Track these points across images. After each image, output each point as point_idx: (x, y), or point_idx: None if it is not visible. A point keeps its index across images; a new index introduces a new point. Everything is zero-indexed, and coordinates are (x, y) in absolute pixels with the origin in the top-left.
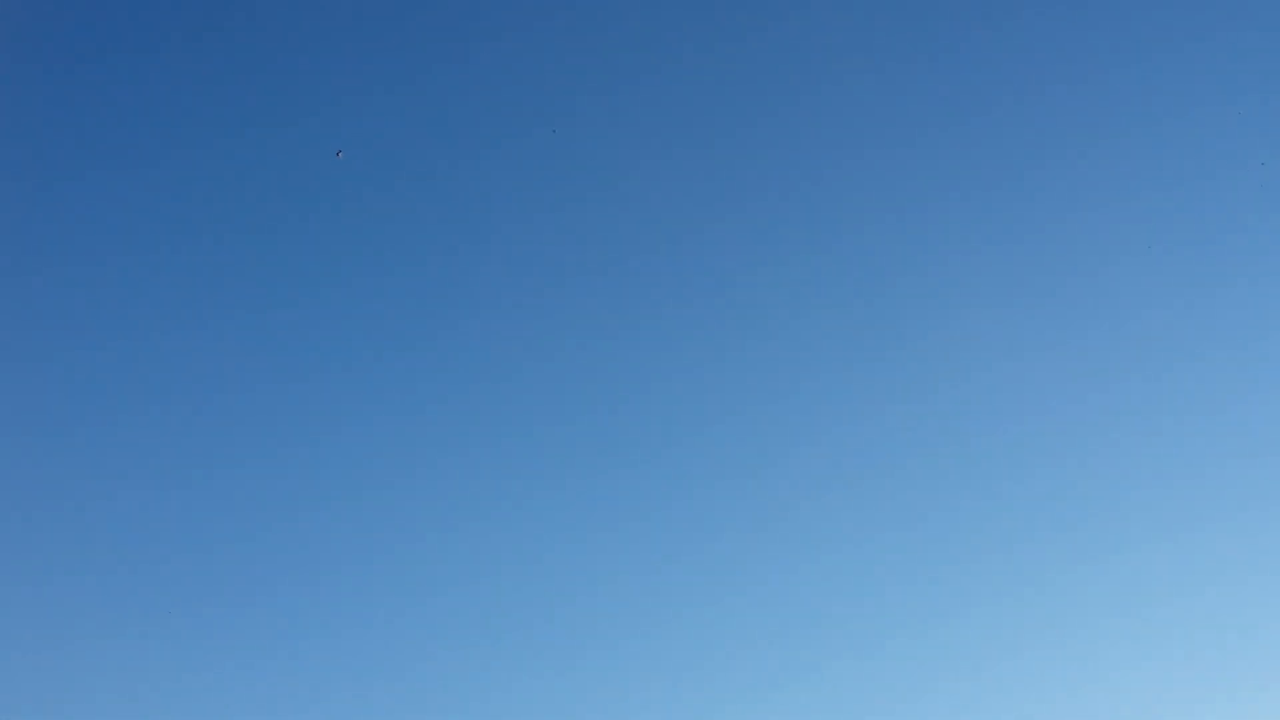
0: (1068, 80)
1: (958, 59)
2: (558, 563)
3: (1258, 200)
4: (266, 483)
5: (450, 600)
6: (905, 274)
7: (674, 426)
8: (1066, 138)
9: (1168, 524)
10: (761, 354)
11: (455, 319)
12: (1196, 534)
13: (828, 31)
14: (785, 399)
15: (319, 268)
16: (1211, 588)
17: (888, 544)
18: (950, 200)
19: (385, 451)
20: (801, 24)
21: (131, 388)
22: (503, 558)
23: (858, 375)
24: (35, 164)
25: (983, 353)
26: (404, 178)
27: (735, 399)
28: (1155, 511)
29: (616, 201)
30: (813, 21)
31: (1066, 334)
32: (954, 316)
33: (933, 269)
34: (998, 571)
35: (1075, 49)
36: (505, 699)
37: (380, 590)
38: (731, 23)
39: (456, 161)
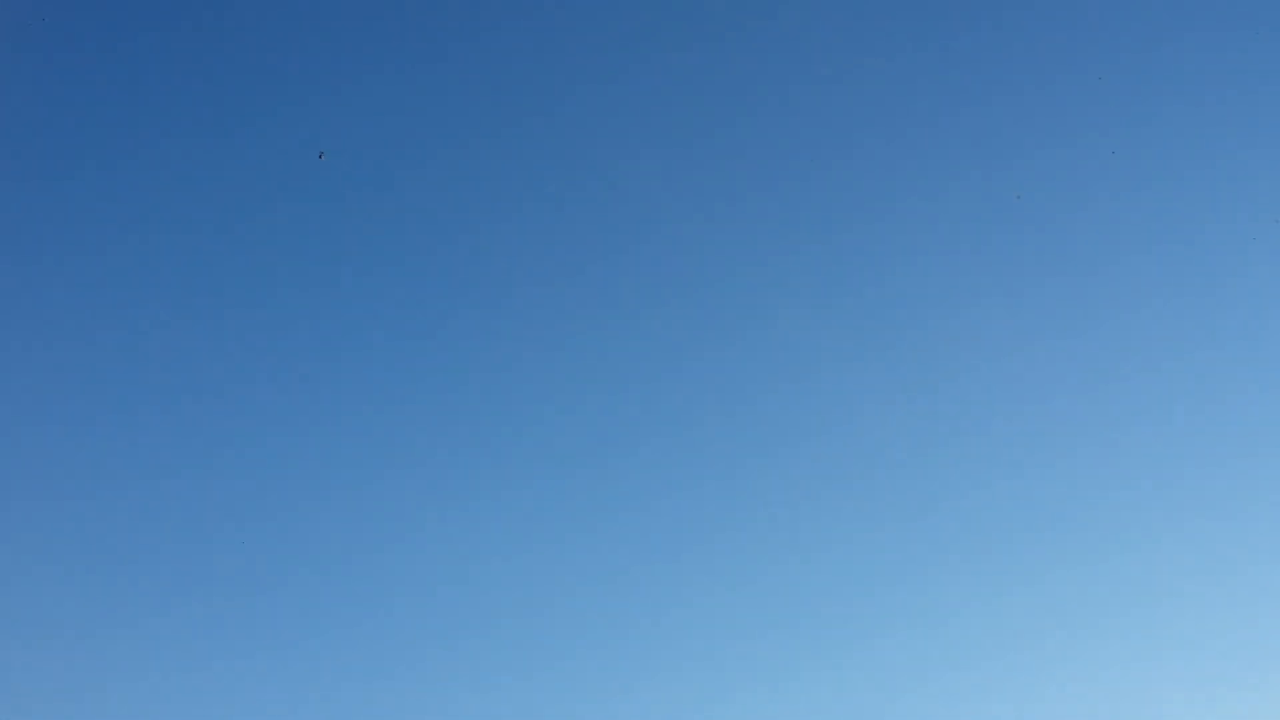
0: (1068, 80)
1: (957, 56)
2: (557, 562)
3: (1258, 200)
4: (261, 482)
5: (450, 600)
6: (903, 271)
7: (672, 425)
8: (1067, 137)
9: (1168, 524)
10: (759, 351)
11: (452, 317)
12: (1197, 534)
13: (826, 28)
14: (782, 396)
15: (313, 264)
16: (1212, 587)
17: (887, 544)
18: (949, 198)
19: (383, 450)
20: (800, 21)
21: (130, 387)
22: (502, 557)
23: (855, 373)
24: (35, 164)
25: (982, 352)
26: (399, 173)
27: (733, 397)
28: (1156, 511)
29: (612, 198)
30: (811, 18)
31: (1066, 334)
32: (952, 314)
33: (931, 267)
34: (997, 571)
35: (1075, 48)
36: (505, 698)
37: (380, 590)
38: (729, 19)
39: (454, 158)
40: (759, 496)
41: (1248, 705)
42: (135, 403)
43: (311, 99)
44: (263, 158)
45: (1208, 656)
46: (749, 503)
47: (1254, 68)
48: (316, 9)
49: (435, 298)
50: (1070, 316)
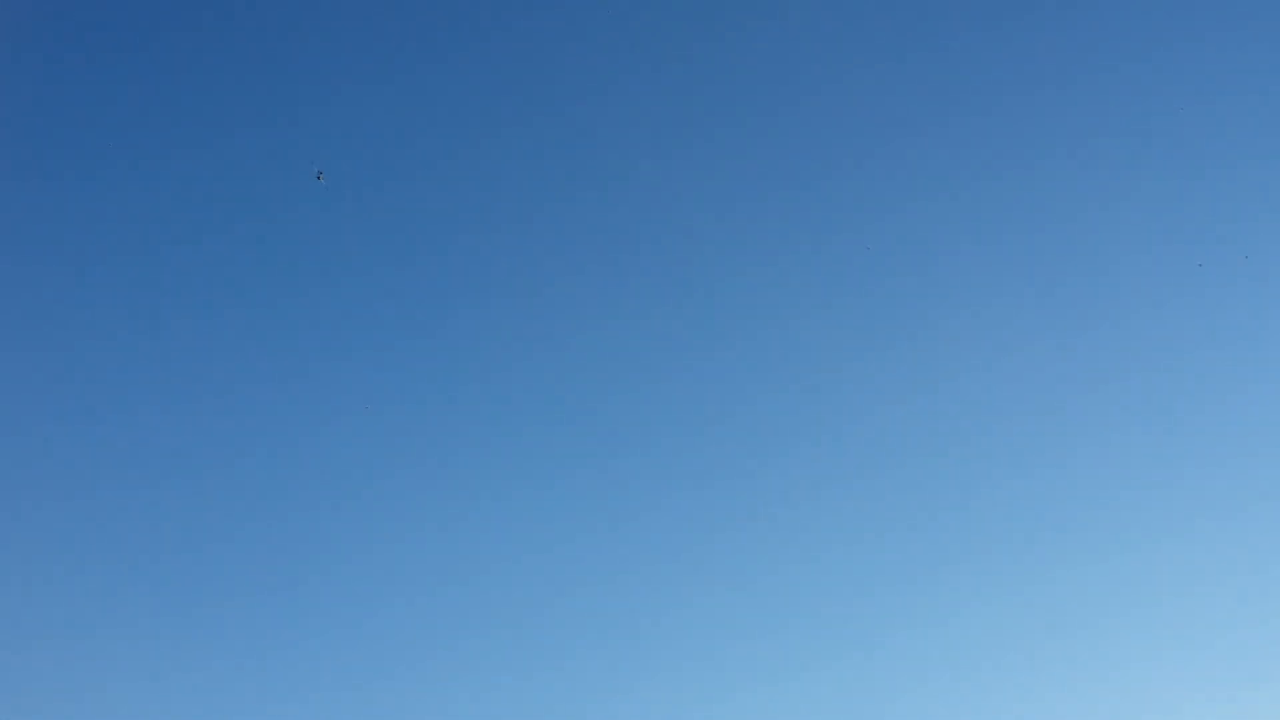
0: (1068, 80)
1: (958, 58)
2: (558, 562)
3: (1258, 200)
4: (259, 482)
5: (449, 599)
6: (904, 272)
7: (673, 426)
8: (1066, 137)
9: (1167, 524)
10: (760, 352)
11: (453, 318)
12: (1196, 534)
13: (829, 31)
14: (783, 397)
15: (315, 265)
16: (1211, 588)
17: (887, 543)
18: (949, 199)
19: (382, 450)
20: (803, 23)
21: (129, 387)
22: (503, 557)
23: (855, 373)
24: (34, 164)
25: (982, 351)
26: (402, 176)
27: (733, 397)
28: (1154, 512)
29: (614, 201)
30: (814, 21)
31: (1066, 333)
32: (952, 315)
33: (931, 267)
34: (996, 571)
35: (1075, 49)
36: (505, 697)
37: (379, 589)
38: (732, 22)
39: (455, 160)
40: (760, 497)
41: (1248, 705)
42: (136, 403)
43: (315, 102)
44: (266, 157)
45: (1208, 657)
46: (750, 503)
47: (1255, 68)
48: (329, 10)
49: (438, 298)
50: (1070, 317)
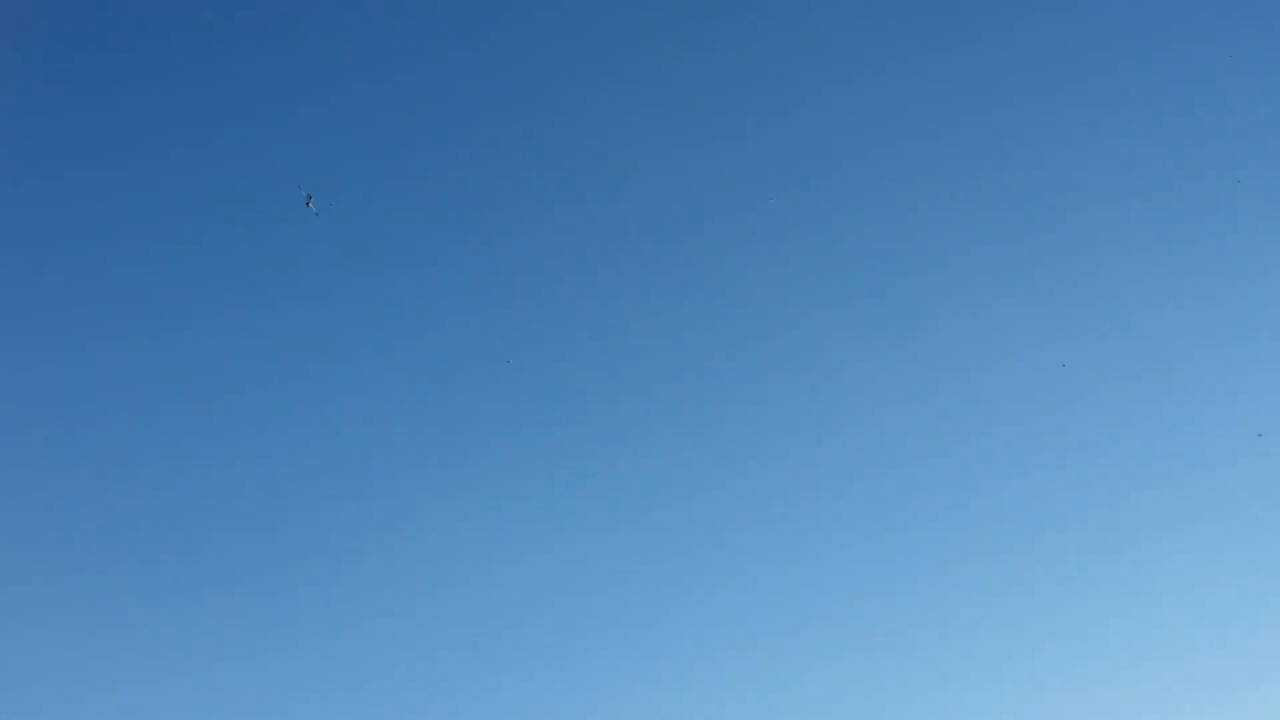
0: (1068, 80)
1: (966, 59)
2: (557, 561)
3: (1258, 199)
4: (259, 482)
5: (450, 599)
6: (905, 273)
7: (673, 427)
8: (1072, 139)
9: (1171, 525)
10: (761, 352)
11: (453, 318)
12: (1199, 534)
13: (830, 31)
14: (784, 396)
15: (314, 266)
16: (1211, 587)
17: (890, 543)
18: (950, 199)
19: (382, 449)
20: (804, 23)
21: (129, 387)
22: (502, 555)
23: (857, 373)
24: (34, 165)
25: (982, 352)
26: (405, 175)
27: (734, 397)
28: (1158, 513)
29: (614, 200)
30: (815, 20)
31: (1066, 333)
32: (953, 315)
33: (932, 268)
34: (1000, 571)
35: (1075, 49)
36: (505, 697)
37: (379, 588)
38: (733, 22)
39: (457, 160)
40: (762, 497)
41: (1249, 705)
42: (136, 403)
43: (315, 101)
44: (266, 157)
45: (1208, 657)
46: (751, 503)
47: (1255, 67)
48: (330, 9)
49: (439, 298)
50: (1075, 319)
